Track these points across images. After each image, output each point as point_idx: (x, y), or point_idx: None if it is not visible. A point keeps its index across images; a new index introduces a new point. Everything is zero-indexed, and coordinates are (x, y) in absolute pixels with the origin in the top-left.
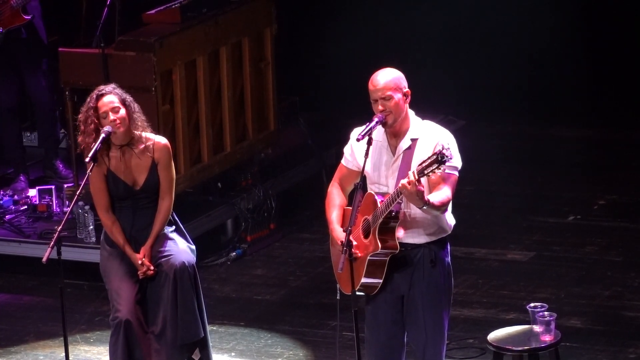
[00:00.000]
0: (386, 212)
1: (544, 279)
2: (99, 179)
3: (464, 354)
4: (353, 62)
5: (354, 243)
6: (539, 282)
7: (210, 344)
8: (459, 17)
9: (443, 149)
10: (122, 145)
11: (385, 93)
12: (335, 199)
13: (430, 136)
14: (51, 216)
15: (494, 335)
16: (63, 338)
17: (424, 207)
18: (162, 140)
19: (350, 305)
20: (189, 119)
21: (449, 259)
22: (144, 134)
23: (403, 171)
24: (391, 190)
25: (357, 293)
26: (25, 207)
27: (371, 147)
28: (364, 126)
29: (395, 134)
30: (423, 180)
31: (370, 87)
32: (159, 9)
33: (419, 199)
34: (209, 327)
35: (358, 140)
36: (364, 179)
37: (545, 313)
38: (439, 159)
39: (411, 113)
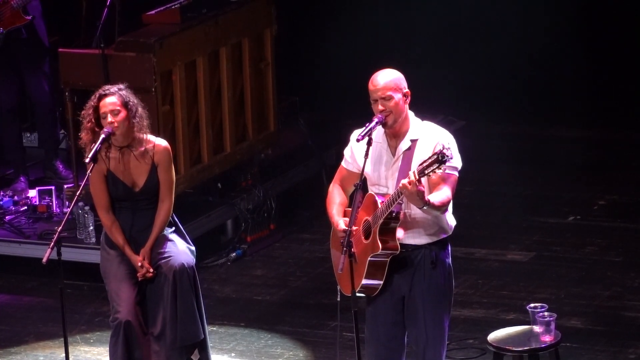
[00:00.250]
0: (387, 213)
1: (544, 279)
2: (99, 179)
3: (464, 354)
4: (353, 62)
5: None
6: (539, 283)
7: (210, 345)
8: (459, 17)
9: (443, 148)
10: (122, 146)
11: (385, 93)
12: (336, 197)
13: (430, 137)
14: (51, 217)
15: (494, 335)
16: (63, 339)
17: (425, 208)
18: (162, 143)
19: (351, 306)
20: (188, 119)
21: (449, 259)
22: (145, 136)
23: (403, 172)
24: (391, 191)
25: (358, 294)
26: (25, 207)
27: (371, 148)
28: (364, 127)
29: (395, 134)
30: (423, 180)
31: (371, 87)
32: (158, 9)
33: (420, 199)
34: (209, 328)
35: (358, 140)
36: (364, 179)
37: (545, 313)
38: (440, 158)
39: (411, 114)
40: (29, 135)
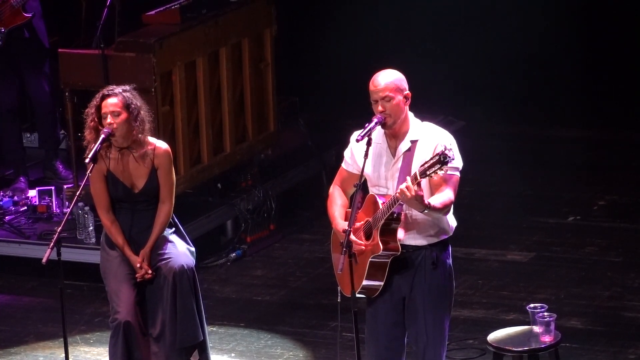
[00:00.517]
0: (388, 214)
1: (543, 279)
2: (99, 179)
3: (464, 354)
4: (353, 62)
5: (357, 241)
6: (538, 283)
7: (210, 345)
8: (459, 17)
9: (445, 149)
10: (122, 148)
11: (385, 94)
12: (337, 199)
13: (430, 138)
14: (51, 217)
15: (494, 335)
16: (63, 339)
17: (426, 211)
18: (163, 145)
19: (350, 306)
20: (188, 119)
21: (450, 260)
22: (145, 138)
23: (404, 173)
24: (391, 191)
25: (358, 295)
26: (25, 208)
27: (371, 149)
28: (363, 128)
29: (394, 135)
30: (424, 181)
31: (371, 87)
32: (158, 9)
33: (419, 203)
34: (209, 328)
35: (357, 141)
36: (364, 180)
37: (545, 314)
38: (442, 159)
39: (411, 115)
40: (29, 135)
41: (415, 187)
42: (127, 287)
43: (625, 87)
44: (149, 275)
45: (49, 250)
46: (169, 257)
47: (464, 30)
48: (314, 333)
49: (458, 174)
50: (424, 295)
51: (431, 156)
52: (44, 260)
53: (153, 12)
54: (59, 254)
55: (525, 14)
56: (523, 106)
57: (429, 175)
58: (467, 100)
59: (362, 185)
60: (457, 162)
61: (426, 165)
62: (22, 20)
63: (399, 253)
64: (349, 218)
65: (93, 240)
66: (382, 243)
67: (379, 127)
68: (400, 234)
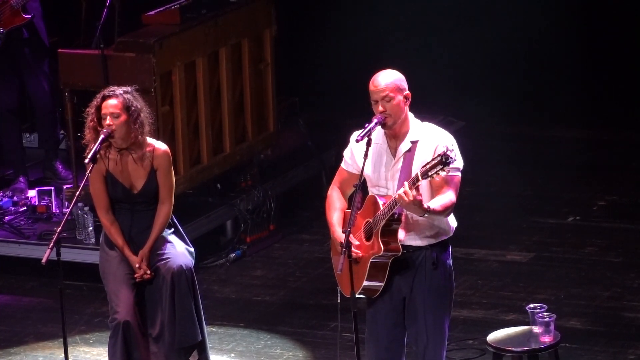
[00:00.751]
0: (389, 215)
1: (543, 279)
2: (98, 180)
3: (464, 354)
4: (353, 62)
5: (356, 243)
6: (538, 283)
7: (210, 346)
8: (459, 18)
9: (447, 150)
10: (122, 148)
11: (385, 94)
12: (336, 202)
13: (430, 138)
14: (50, 217)
15: (494, 336)
16: (62, 339)
17: (426, 215)
18: (162, 146)
19: (350, 307)
20: (188, 120)
21: (450, 261)
22: (145, 140)
23: (404, 173)
24: (392, 192)
25: (359, 296)
26: (25, 208)
27: (370, 149)
28: (363, 128)
29: (394, 135)
30: (425, 183)
31: (371, 87)
32: (158, 10)
33: (418, 207)
34: (208, 328)
35: (357, 141)
36: (363, 181)
37: (545, 314)
38: (443, 160)
39: (411, 115)
40: (28, 135)
41: (414, 192)
42: (127, 287)
43: (625, 87)
44: (148, 276)
45: (48, 250)
46: (168, 258)
47: (464, 31)
48: (313, 333)
49: (459, 174)
50: (424, 295)
51: (432, 157)
52: (43, 260)
53: (153, 13)
54: (58, 254)
55: (525, 14)
56: (523, 106)
57: (430, 176)
58: (467, 100)
59: (362, 186)
60: (459, 162)
61: (428, 166)
62: (22, 21)
63: (400, 254)
64: (348, 218)
65: (92, 240)
66: (383, 244)
67: (379, 127)
68: (401, 234)
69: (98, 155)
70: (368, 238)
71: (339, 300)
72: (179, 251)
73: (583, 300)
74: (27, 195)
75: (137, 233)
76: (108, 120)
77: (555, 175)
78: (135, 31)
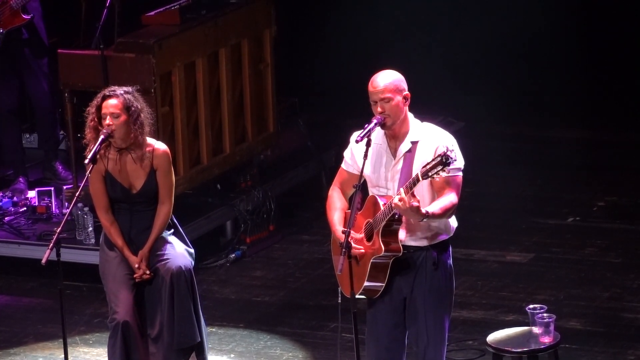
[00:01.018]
0: (389, 215)
1: (543, 280)
2: (98, 180)
3: (464, 355)
4: (353, 62)
5: (358, 237)
6: (538, 284)
7: (209, 346)
8: (459, 18)
9: (447, 150)
10: (121, 148)
11: (384, 95)
12: (336, 202)
13: (430, 138)
14: (50, 218)
15: (494, 336)
16: (62, 340)
17: (424, 220)
18: (161, 146)
19: (350, 307)
20: (188, 120)
21: (450, 261)
22: (145, 140)
23: (405, 174)
24: (392, 192)
25: (360, 296)
26: (25, 208)
27: (370, 149)
28: (363, 128)
29: (394, 136)
30: (426, 184)
31: (370, 88)
32: (158, 10)
33: (415, 213)
34: (208, 329)
35: (357, 141)
36: (363, 181)
37: (545, 314)
38: (444, 160)
39: (410, 115)
40: (28, 136)
41: (409, 198)
42: (126, 287)
43: (625, 87)
44: (147, 276)
45: (48, 250)
46: (167, 258)
47: (464, 30)
48: (313, 334)
49: (461, 174)
50: (425, 295)
51: (433, 157)
52: (43, 260)
53: (152, 13)
54: (58, 254)
55: (525, 13)
56: (523, 106)
57: (430, 176)
58: (467, 100)
59: (362, 186)
60: (459, 162)
61: (428, 167)
62: (21, 22)
63: (401, 254)
64: (348, 219)
65: (92, 240)
66: (383, 244)
67: (378, 128)
68: (402, 234)
69: (98, 156)
70: (369, 238)
71: (339, 301)
72: (178, 252)
73: (583, 301)
74: (27, 196)
75: (136, 233)
76: (108, 120)
77: (555, 176)
78: (135, 32)
